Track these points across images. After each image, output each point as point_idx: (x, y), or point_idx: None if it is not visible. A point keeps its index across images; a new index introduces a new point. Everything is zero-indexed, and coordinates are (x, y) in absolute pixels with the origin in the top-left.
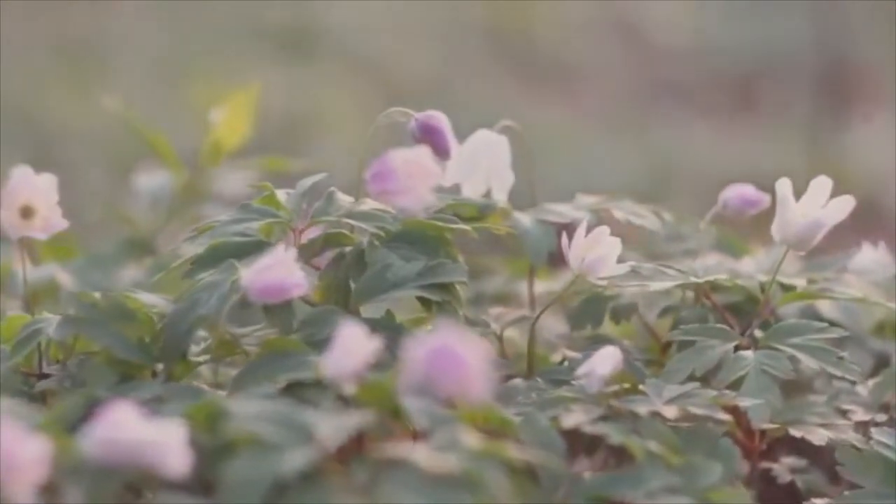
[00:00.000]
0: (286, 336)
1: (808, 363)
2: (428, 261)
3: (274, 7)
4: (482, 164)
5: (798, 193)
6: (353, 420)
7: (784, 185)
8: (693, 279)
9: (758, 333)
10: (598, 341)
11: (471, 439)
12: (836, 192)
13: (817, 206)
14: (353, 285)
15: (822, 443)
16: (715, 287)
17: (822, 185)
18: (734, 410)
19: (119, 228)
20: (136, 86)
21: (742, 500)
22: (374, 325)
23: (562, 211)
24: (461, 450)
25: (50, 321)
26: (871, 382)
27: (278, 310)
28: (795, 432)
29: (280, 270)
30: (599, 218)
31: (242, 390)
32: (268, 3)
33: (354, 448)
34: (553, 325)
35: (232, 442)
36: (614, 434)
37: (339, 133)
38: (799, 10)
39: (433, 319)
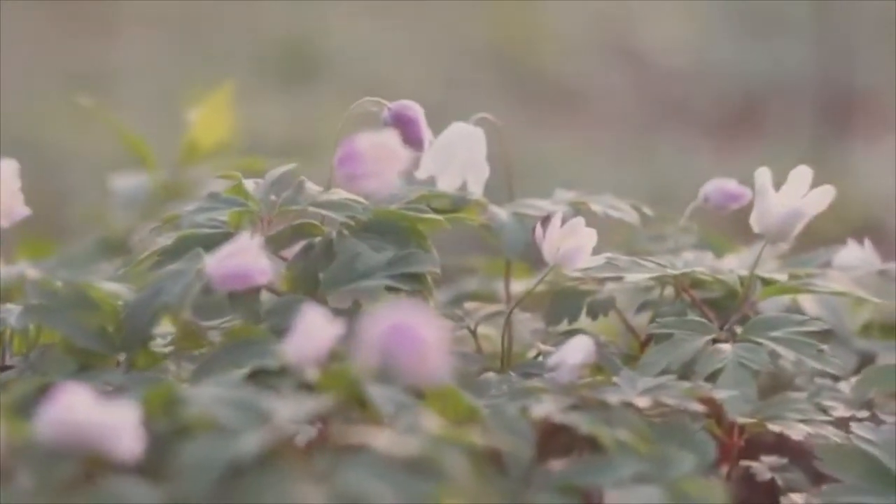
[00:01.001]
0: (251, 325)
1: (787, 356)
2: (398, 251)
3: (276, 32)
4: (457, 157)
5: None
6: (310, 404)
7: (763, 175)
8: (670, 271)
9: (738, 329)
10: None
11: (432, 424)
12: (839, 214)
13: (797, 196)
14: (322, 276)
15: (801, 438)
16: (696, 283)
17: (801, 175)
18: (711, 404)
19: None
20: (140, 111)
21: (715, 490)
22: (342, 316)
23: (539, 205)
24: (422, 434)
25: (11, 311)
26: (853, 380)
27: (243, 298)
28: (774, 427)
29: (244, 258)
30: (577, 212)
31: (205, 378)
32: (270, 29)
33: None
34: (532, 322)
35: (188, 426)
36: (584, 423)
37: None
38: (803, 33)
39: None
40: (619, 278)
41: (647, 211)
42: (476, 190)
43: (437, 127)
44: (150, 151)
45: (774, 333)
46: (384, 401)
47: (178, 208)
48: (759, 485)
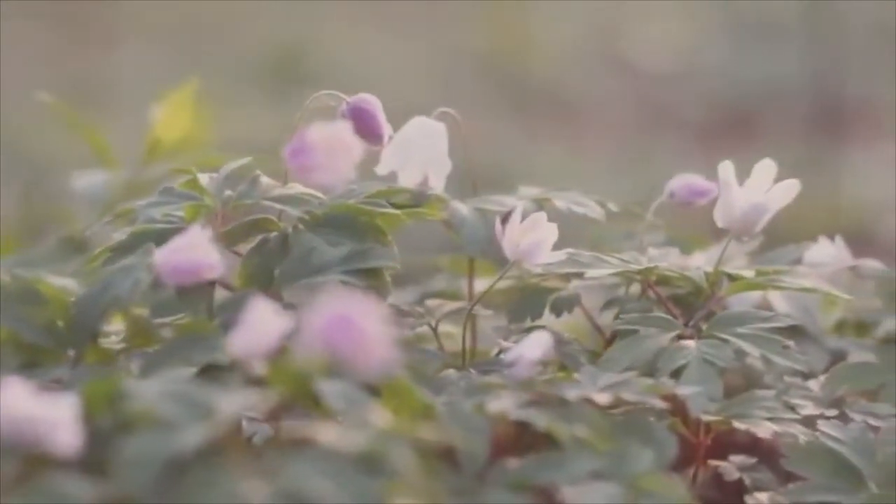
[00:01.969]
0: (201, 320)
1: (752, 352)
2: (355, 246)
3: (273, 41)
4: (418, 152)
5: (796, 227)
6: (253, 398)
7: (726, 169)
8: (633, 267)
9: (704, 325)
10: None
11: (381, 419)
12: (830, 220)
13: (761, 190)
14: (276, 271)
15: (767, 435)
16: (662, 280)
17: (765, 168)
18: (677, 402)
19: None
20: (139, 120)
21: (674, 487)
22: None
23: (502, 201)
24: (370, 429)
25: None
26: (822, 378)
27: (192, 292)
28: (739, 425)
29: (194, 251)
30: (541, 208)
31: (153, 374)
32: (267, 38)
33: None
34: (496, 320)
35: (129, 421)
36: (540, 419)
37: None
38: (795, 40)
39: None
40: (581, 274)
41: (613, 207)
42: (437, 185)
43: None
44: (109, 148)
45: (740, 329)
46: (335, 396)
47: (133, 203)
48: (729, 485)
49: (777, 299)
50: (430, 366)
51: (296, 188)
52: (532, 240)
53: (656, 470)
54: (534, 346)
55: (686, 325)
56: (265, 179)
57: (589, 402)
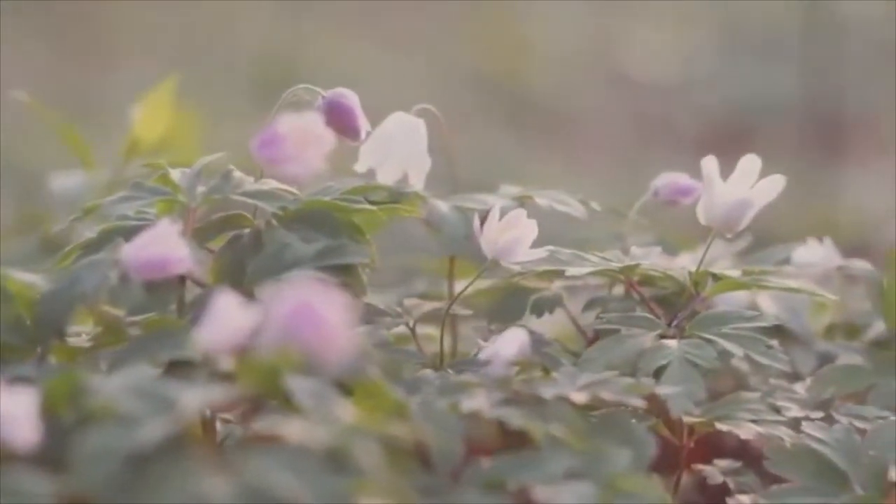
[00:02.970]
0: (169, 316)
1: (735, 351)
2: (329, 242)
3: (265, 55)
4: (397, 149)
5: (793, 241)
6: (215, 393)
7: (709, 164)
8: (613, 265)
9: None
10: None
11: (347, 414)
12: (828, 236)
13: (745, 186)
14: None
15: (750, 437)
16: (646, 280)
17: (750, 163)
18: (658, 403)
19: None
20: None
21: (651, 487)
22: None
23: (482, 199)
24: (336, 425)
25: None
26: (809, 380)
27: (161, 287)
28: (722, 427)
29: (162, 245)
30: (523, 206)
31: (119, 371)
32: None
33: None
34: (479, 322)
35: (90, 416)
36: (515, 418)
37: None
38: (793, 56)
39: None
40: (564, 275)
41: (596, 206)
42: (417, 183)
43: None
44: (87, 148)
45: (723, 329)
46: (304, 393)
47: (102, 199)
48: (713, 489)
49: (765, 302)
50: (405, 366)
51: (270, 184)
52: (510, 237)
53: (634, 470)
54: (509, 344)
55: (669, 324)
56: (238, 174)
57: (566, 401)
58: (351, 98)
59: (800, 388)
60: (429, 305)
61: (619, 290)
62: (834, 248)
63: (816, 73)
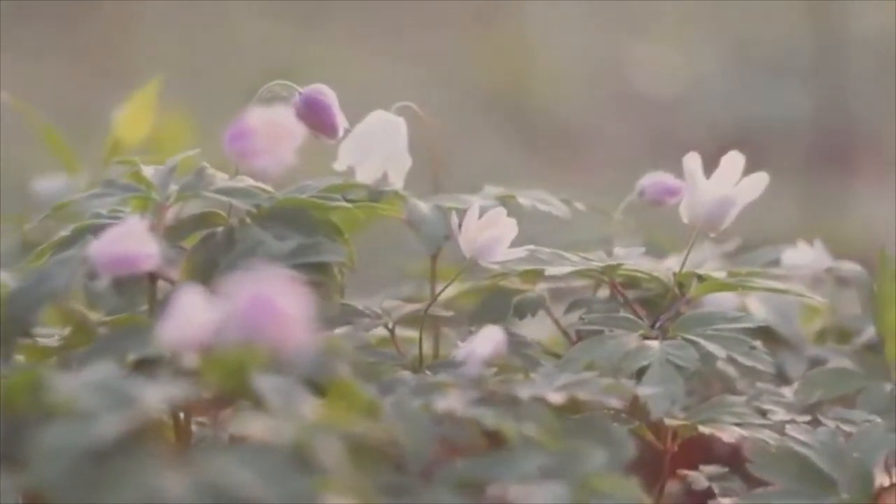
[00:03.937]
0: (136, 313)
1: (718, 353)
2: (303, 240)
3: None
4: (377, 147)
5: None
6: (175, 389)
7: (692, 162)
8: (594, 264)
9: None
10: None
11: (310, 411)
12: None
13: (729, 183)
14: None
15: (733, 440)
16: (631, 282)
17: (733, 161)
18: (640, 406)
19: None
20: None
21: (627, 487)
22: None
23: (465, 199)
24: (299, 422)
25: None
26: (797, 383)
27: (129, 284)
28: (705, 429)
29: (129, 241)
30: (506, 206)
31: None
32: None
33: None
34: (463, 324)
35: (49, 412)
36: (488, 417)
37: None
38: (803, 73)
39: None
40: (550, 278)
41: (579, 205)
42: (397, 182)
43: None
44: (68, 149)
45: (706, 330)
46: (270, 390)
47: (73, 196)
48: (698, 494)
49: (755, 305)
50: (384, 367)
51: (245, 181)
52: (489, 236)
53: (611, 470)
54: (485, 343)
55: (652, 326)
56: (212, 172)
57: (542, 401)
58: (328, 94)
59: (788, 392)
60: (409, 307)
61: (604, 292)
62: (824, 251)
63: (825, 89)
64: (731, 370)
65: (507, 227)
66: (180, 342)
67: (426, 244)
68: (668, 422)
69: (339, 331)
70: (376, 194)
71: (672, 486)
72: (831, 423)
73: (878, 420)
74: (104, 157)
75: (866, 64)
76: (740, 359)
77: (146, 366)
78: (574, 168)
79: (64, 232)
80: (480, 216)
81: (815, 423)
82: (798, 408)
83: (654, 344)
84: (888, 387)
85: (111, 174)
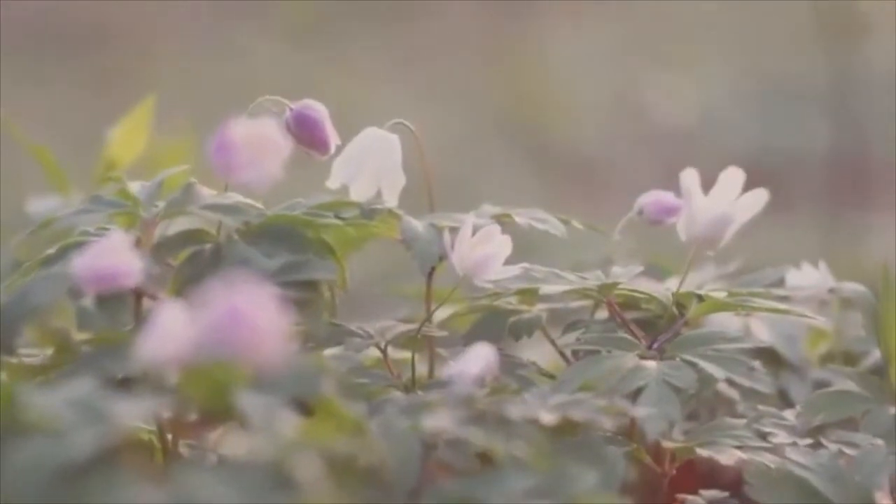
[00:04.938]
0: (118, 330)
1: (716, 373)
2: (291, 257)
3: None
4: (371, 164)
5: None
6: (155, 405)
7: (689, 178)
8: (590, 283)
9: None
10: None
11: (290, 429)
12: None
13: (727, 199)
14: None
15: (732, 462)
16: (631, 303)
17: (732, 177)
18: (637, 428)
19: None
20: None
21: None
22: None
23: (459, 217)
24: (279, 439)
25: None
26: (799, 406)
27: (112, 300)
28: (703, 452)
29: (112, 257)
30: (501, 225)
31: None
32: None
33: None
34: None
35: (24, 429)
36: (477, 436)
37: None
38: (820, 103)
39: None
40: (545, 297)
41: (577, 224)
42: (391, 200)
43: (457, 202)
44: (59, 168)
45: (703, 350)
46: (250, 407)
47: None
48: None
49: (759, 328)
50: (373, 388)
51: (233, 198)
52: (483, 253)
53: (602, 491)
54: (475, 362)
55: (650, 346)
56: (200, 188)
57: (535, 422)
58: (319, 110)
59: (790, 415)
60: (402, 327)
61: (603, 314)
62: (828, 273)
63: (842, 121)
64: (733, 393)
65: (501, 245)
66: (160, 358)
67: (419, 262)
68: (666, 444)
69: (329, 351)
70: (369, 212)
71: None
72: (834, 447)
73: (881, 443)
74: (97, 176)
75: (883, 95)
76: (739, 380)
77: (128, 384)
78: (589, 197)
79: (50, 250)
80: (474, 233)
81: (816, 446)
82: (800, 431)
83: (651, 364)
84: (892, 410)
85: (100, 191)
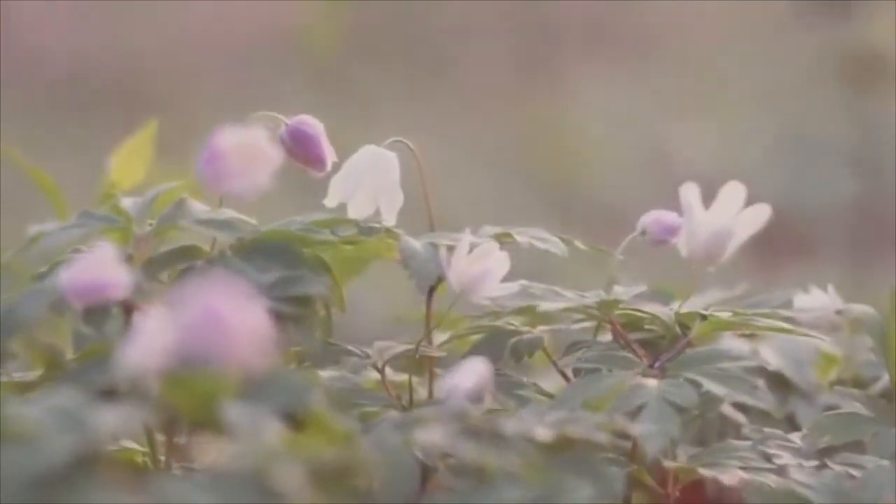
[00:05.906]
0: (104, 342)
1: (717, 391)
2: (284, 272)
3: None
4: (368, 182)
5: None
6: (133, 412)
7: (689, 192)
8: (589, 300)
9: None
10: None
11: (274, 437)
12: None
13: (728, 214)
14: None
15: (734, 482)
16: (634, 324)
17: (734, 191)
18: (639, 449)
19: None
20: None
21: None
22: None
23: (458, 237)
24: (261, 448)
25: None
26: (805, 428)
27: (99, 313)
28: (706, 472)
29: (99, 269)
30: (501, 244)
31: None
32: None
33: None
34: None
35: (4, 439)
36: (469, 451)
37: (379, 280)
38: (845, 155)
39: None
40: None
41: (580, 244)
42: (389, 218)
43: None
44: (58, 191)
45: (705, 368)
46: (233, 416)
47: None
48: None
49: (767, 352)
50: (370, 408)
51: (227, 213)
52: (479, 269)
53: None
54: (468, 376)
55: (651, 365)
56: (193, 203)
57: (529, 437)
58: (315, 126)
59: (796, 437)
60: (400, 347)
61: (606, 336)
62: (836, 296)
63: (870, 176)
64: (741, 418)
65: (499, 261)
66: (142, 366)
67: (417, 280)
68: (667, 464)
69: (326, 373)
70: (366, 230)
71: None
72: (839, 468)
73: (887, 464)
74: (98, 200)
75: None
76: (740, 398)
77: (114, 395)
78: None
79: (44, 268)
80: (471, 250)
81: (822, 468)
82: (806, 453)
83: (652, 382)
84: None
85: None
